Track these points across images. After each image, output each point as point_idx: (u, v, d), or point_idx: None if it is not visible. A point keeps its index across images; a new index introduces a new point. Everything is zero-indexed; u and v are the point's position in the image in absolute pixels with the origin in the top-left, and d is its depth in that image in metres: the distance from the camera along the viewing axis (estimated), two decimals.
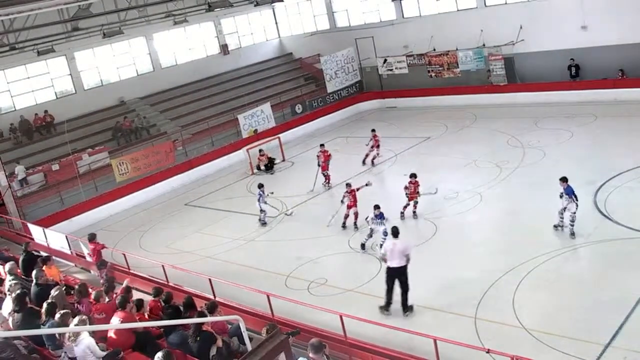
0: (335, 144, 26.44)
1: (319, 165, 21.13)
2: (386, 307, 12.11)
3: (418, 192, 16.76)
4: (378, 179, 21.40)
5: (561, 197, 13.80)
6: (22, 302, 9.74)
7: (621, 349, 9.74)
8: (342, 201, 16.98)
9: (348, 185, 17.02)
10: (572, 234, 13.74)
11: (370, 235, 15.00)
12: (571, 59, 25.39)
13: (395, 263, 11.79)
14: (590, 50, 24.55)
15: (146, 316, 10.22)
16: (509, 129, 23.05)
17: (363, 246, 15.33)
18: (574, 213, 13.57)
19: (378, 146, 22.48)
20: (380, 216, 14.66)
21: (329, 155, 21.05)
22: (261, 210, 18.67)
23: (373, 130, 22.79)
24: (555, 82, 25.79)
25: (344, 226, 17.01)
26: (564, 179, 13.79)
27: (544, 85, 26.09)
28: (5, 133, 26.44)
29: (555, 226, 14.25)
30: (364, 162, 22.72)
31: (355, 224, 16.88)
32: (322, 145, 21.65)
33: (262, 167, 24.71)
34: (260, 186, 18.78)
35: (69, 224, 21.49)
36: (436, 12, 29.41)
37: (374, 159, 22.67)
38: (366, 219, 15.20)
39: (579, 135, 20.98)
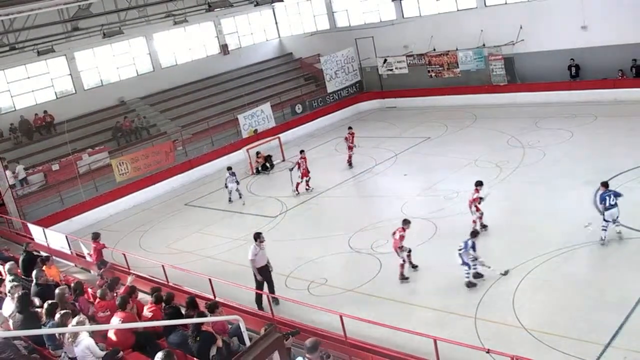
0: (336, 144, 26.50)
1: (296, 169, 20.66)
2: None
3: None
4: (378, 179, 21.42)
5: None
6: (24, 303, 9.74)
7: (621, 349, 9.73)
8: (400, 252, 13.53)
9: (406, 222, 13.64)
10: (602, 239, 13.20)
11: (475, 267, 12.70)
12: (571, 59, 25.40)
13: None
14: (590, 50, 24.56)
15: (153, 312, 10.19)
16: (509, 129, 23.05)
17: (472, 284, 12.69)
18: (605, 220, 13.13)
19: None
20: (474, 246, 12.55)
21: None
22: (229, 191, 21.23)
23: (350, 128, 22.79)
24: (555, 82, 25.80)
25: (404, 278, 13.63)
26: (604, 184, 13.38)
27: (544, 85, 26.09)
28: (5, 133, 26.44)
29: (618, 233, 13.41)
30: (351, 165, 22.59)
31: (411, 264, 13.86)
32: (302, 151, 21.17)
33: (260, 168, 24.76)
34: (229, 169, 21.43)
35: (69, 224, 21.50)
36: (436, 12, 29.41)
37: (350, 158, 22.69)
38: (460, 250, 12.62)
39: (579, 135, 20.97)
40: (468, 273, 12.73)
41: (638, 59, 23.66)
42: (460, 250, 12.63)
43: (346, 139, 22.70)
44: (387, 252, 14.94)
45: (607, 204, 13.07)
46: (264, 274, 13.12)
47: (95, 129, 27.84)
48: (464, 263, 12.65)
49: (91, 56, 29.33)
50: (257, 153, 25.10)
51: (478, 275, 12.81)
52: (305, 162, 20.73)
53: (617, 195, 13.19)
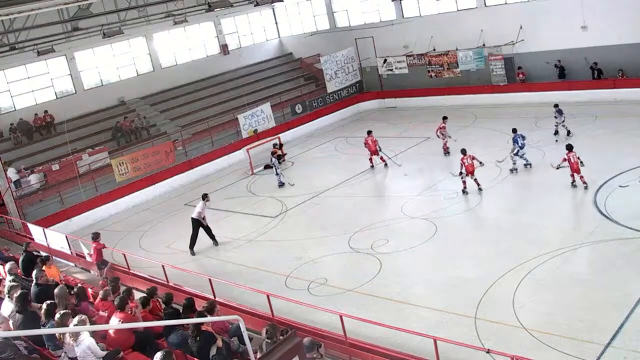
0: (336, 144, 26.51)
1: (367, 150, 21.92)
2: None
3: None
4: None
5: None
6: (24, 303, 9.74)
7: (621, 349, 9.73)
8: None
9: (464, 151, 17.92)
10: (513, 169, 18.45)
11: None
12: (558, 60, 25.77)
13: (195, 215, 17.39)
14: (590, 50, 24.56)
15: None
16: (509, 129, 22.93)
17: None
18: (514, 154, 18.44)
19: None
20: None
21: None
22: (277, 174, 22.22)
23: (445, 118, 22.40)
24: (555, 82, 25.81)
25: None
26: (513, 130, 18.81)
27: (544, 85, 26.10)
28: (5, 133, 26.44)
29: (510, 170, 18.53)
30: (448, 153, 22.21)
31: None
32: (369, 132, 22.13)
33: (273, 160, 24.89)
34: (273, 153, 22.84)
35: (69, 224, 21.50)
36: (436, 12, 29.41)
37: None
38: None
39: (579, 135, 20.95)
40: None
41: (599, 63, 24.64)
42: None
43: (442, 128, 22.25)
44: (387, 252, 14.98)
45: (520, 144, 18.35)
46: (206, 222, 17.55)
47: (95, 129, 27.83)
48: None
49: (91, 56, 29.31)
50: (274, 145, 25.14)
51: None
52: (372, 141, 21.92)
53: (524, 137, 18.52)
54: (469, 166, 17.51)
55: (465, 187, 17.78)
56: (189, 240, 18.25)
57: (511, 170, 18.59)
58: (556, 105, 21.10)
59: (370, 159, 22.09)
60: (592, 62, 24.86)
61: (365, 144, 22.02)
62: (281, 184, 22.08)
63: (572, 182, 16.70)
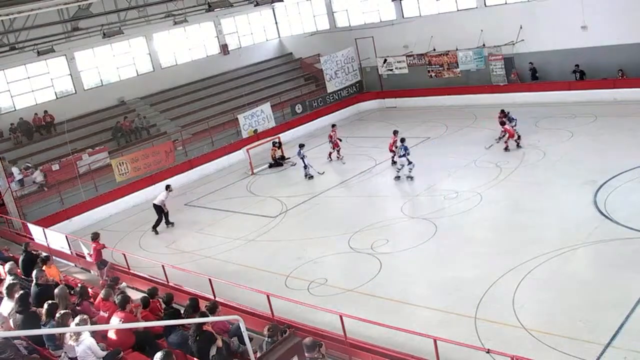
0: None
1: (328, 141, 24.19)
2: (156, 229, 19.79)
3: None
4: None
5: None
6: (24, 303, 9.73)
7: (621, 349, 9.73)
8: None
9: (334, 126, 23.18)
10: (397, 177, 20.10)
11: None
12: (530, 63, 26.01)
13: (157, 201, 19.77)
14: (590, 50, 24.57)
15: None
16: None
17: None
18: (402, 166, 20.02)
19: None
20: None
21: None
22: (305, 166, 22.36)
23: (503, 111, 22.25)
24: (555, 82, 25.81)
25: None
26: (402, 140, 20.20)
27: (544, 85, 26.11)
28: (5, 133, 26.44)
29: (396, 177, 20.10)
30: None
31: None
32: (333, 125, 24.69)
33: (273, 161, 25.04)
34: (302, 146, 22.97)
35: (69, 224, 21.49)
36: (436, 12, 29.41)
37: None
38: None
39: (579, 135, 20.97)
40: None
41: (580, 65, 25.02)
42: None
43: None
44: (387, 252, 14.98)
45: (401, 154, 19.83)
46: (166, 209, 19.86)
47: (95, 129, 27.83)
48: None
49: (91, 56, 29.31)
50: (274, 143, 25.20)
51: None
52: (335, 135, 23.84)
53: (407, 148, 19.80)
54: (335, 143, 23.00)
55: (329, 157, 23.13)
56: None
57: (396, 178, 20.16)
58: (507, 113, 22.08)
59: (330, 153, 24.11)
60: (574, 64, 24.97)
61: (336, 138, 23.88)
62: (310, 176, 22.37)
63: (506, 148, 20.61)
